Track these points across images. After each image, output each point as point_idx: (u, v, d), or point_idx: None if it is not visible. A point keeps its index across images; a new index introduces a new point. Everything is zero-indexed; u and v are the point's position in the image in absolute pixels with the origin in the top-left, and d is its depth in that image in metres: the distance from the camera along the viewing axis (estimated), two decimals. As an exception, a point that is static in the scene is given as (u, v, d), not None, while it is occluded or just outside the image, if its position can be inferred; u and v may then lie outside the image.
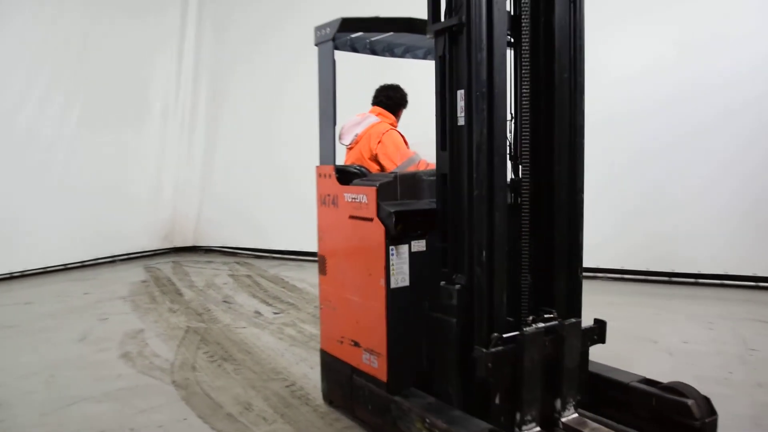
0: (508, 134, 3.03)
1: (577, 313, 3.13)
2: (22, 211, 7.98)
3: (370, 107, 4.33)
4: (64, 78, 8.53)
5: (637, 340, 4.93)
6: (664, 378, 3.02)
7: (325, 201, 3.59)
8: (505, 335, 2.87)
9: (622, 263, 7.28)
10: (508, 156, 2.95)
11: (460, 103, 2.89)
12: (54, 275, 8.38)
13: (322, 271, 3.67)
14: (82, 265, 8.96)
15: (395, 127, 4.24)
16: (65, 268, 8.71)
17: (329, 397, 3.78)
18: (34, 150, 8.21)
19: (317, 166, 3.66)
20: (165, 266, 8.87)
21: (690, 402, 2.87)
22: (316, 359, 4.10)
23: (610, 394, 3.18)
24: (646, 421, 3.04)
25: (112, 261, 9.35)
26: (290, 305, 6.33)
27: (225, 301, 6.53)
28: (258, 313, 6.06)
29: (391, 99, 4.28)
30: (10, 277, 8.01)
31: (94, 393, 4.05)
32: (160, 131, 10.02)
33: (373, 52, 4.04)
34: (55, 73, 8.41)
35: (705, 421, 2.83)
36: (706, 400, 2.92)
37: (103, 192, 9.07)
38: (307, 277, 7.85)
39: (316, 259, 3.82)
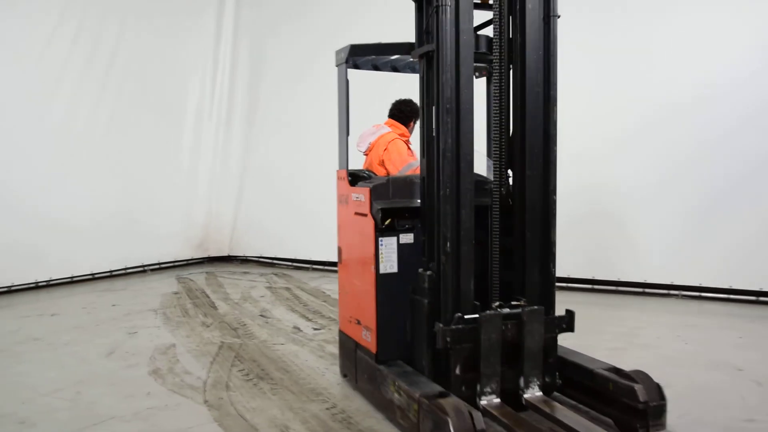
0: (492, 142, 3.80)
1: (550, 303, 3.74)
2: (48, 217, 8.00)
3: (386, 119, 5.16)
4: (94, 79, 8.56)
5: (719, 367, 4.70)
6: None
7: (341, 200, 4.46)
8: (467, 316, 3.54)
9: (701, 280, 6.96)
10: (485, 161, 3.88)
11: (433, 117, 3.64)
12: (81, 285, 8.37)
13: (340, 260, 4.51)
14: (111, 275, 8.93)
15: (406, 137, 5.07)
16: (93, 278, 8.70)
17: (343, 371, 4.58)
18: (63, 153, 8.25)
19: (337, 170, 4.49)
20: (198, 277, 8.85)
21: (637, 387, 3.40)
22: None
23: (577, 378, 3.79)
24: (604, 404, 3.63)
25: (143, 271, 9.31)
26: (332, 320, 6.23)
27: (262, 316, 6.49)
28: (297, 328, 5.99)
29: (402, 112, 5.07)
30: (36, 287, 8.04)
31: (122, 412, 4.00)
32: (194, 137, 10.03)
33: (377, 69, 4.86)
34: (85, 74, 8.44)
35: (650, 404, 3.35)
36: (657, 387, 3.44)
37: (134, 200, 9.08)
38: (349, 290, 8.04)
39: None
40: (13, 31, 7.70)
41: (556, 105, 3.71)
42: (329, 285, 8.14)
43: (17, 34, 7.74)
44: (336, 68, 4.41)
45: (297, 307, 6.95)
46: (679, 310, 6.63)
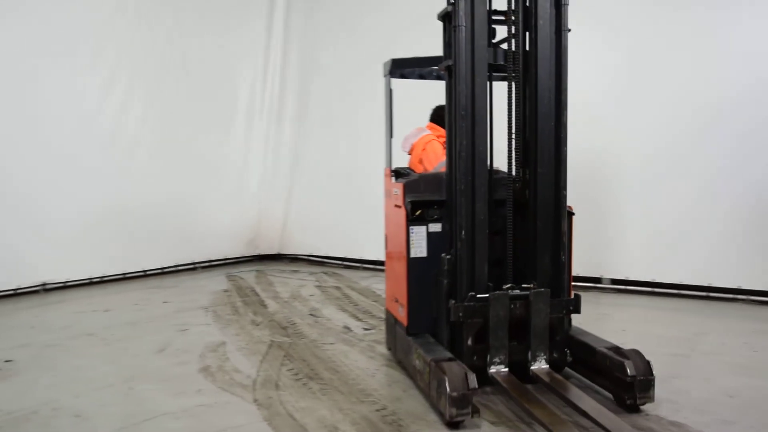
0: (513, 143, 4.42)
1: (560, 287, 4.37)
2: (102, 216, 8.18)
3: (428, 123, 5.89)
4: (145, 79, 8.71)
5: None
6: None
7: (387, 194, 5.23)
8: (479, 295, 4.23)
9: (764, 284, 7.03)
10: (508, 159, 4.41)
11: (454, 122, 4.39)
12: (133, 282, 8.56)
13: (386, 246, 5.23)
14: (162, 272, 9.13)
15: (443, 137, 5.42)
16: (144, 275, 8.89)
17: (388, 345, 5.24)
18: (115, 150, 8.42)
19: (385, 168, 5.32)
20: (248, 275, 8.98)
21: (626, 362, 3.96)
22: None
23: (582, 356, 4.41)
24: (603, 378, 4.21)
25: (193, 268, 9.51)
26: (382, 321, 6.13)
27: (311, 315, 6.54)
28: (347, 328, 6.02)
29: (440, 116, 5.62)
30: (90, 283, 8.30)
31: (172, 408, 4.07)
32: (245, 135, 10.15)
33: (422, 77, 5.60)
34: (135, 75, 8.60)
35: (637, 378, 3.89)
36: (647, 364, 3.96)
37: (185, 197, 9.18)
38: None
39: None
40: (64, 22, 7.76)
41: (566, 109, 4.33)
42: (380, 285, 8.11)
43: (68, 26, 7.81)
44: (383, 78, 5.31)
45: (347, 306, 6.99)
46: (747, 315, 6.44)
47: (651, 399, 4.04)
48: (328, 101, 10.04)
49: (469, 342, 4.31)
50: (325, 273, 9.21)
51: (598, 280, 7.61)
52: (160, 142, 8.90)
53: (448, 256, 4.46)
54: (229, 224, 9.89)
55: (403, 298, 4.72)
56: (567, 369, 4.57)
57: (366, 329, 6.00)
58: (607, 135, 7.46)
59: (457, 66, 4.31)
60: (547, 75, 4.34)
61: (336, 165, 9.86)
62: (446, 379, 3.75)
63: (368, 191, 8.82)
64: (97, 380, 4.65)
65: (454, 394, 3.72)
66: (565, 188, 4.39)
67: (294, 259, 10.24)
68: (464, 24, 4.29)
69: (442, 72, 4.57)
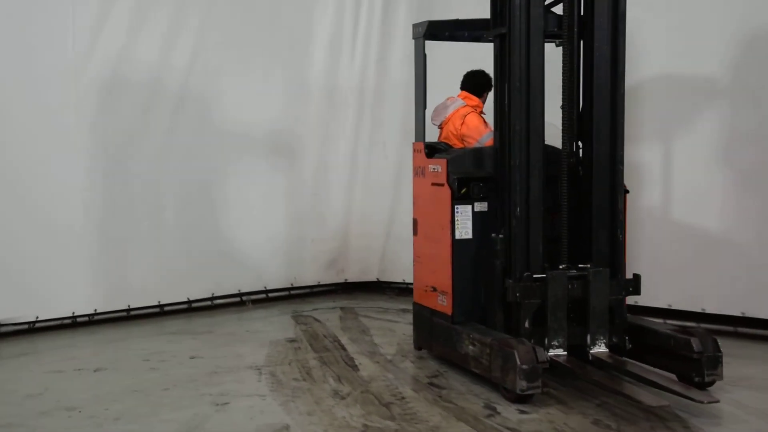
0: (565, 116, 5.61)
1: (617, 267, 5.72)
2: (92, 219, 8.12)
3: (459, 91, 6.92)
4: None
5: None
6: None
7: (417, 172, 6.28)
8: (535, 275, 5.46)
9: None
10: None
11: (506, 93, 5.62)
12: (141, 324, 8.20)
13: (415, 232, 6.28)
14: (190, 308, 8.62)
15: (480, 108, 6.88)
16: (161, 312, 8.43)
17: (418, 343, 6.48)
18: (170, 158, 8.63)
19: (413, 143, 6.33)
20: (328, 314, 8.57)
21: (692, 339, 5.25)
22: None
23: (641, 340, 5.71)
24: (666, 359, 5.50)
25: (239, 301, 8.95)
26: (549, 396, 5.54)
27: (432, 384, 6.04)
28: (491, 407, 5.47)
29: (475, 84, 6.99)
30: (72, 324, 8.01)
31: None
32: (324, 101, 9.96)
33: (458, 39, 6.94)
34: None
35: (705, 355, 5.24)
36: (713, 341, 5.32)
37: (225, 192, 8.95)
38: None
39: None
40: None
41: (623, 80, 5.49)
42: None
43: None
44: (413, 41, 6.24)
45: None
46: None
47: (720, 376, 5.24)
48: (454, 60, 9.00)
49: (526, 324, 5.47)
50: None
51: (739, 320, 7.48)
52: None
53: (500, 236, 5.60)
54: (298, 235, 9.39)
55: (446, 285, 5.86)
56: (625, 357, 5.50)
57: (522, 411, 5.33)
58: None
59: (512, 34, 5.40)
60: (604, 42, 5.51)
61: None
62: (515, 353, 4.98)
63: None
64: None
65: (525, 366, 4.98)
66: (621, 163, 5.61)
67: (403, 289, 9.60)
68: None
69: (491, 39, 5.58)
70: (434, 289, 5.83)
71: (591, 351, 5.30)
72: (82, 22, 8.17)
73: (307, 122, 9.62)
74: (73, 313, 8.03)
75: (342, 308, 8.95)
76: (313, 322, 8.31)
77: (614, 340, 5.44)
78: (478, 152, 5.84)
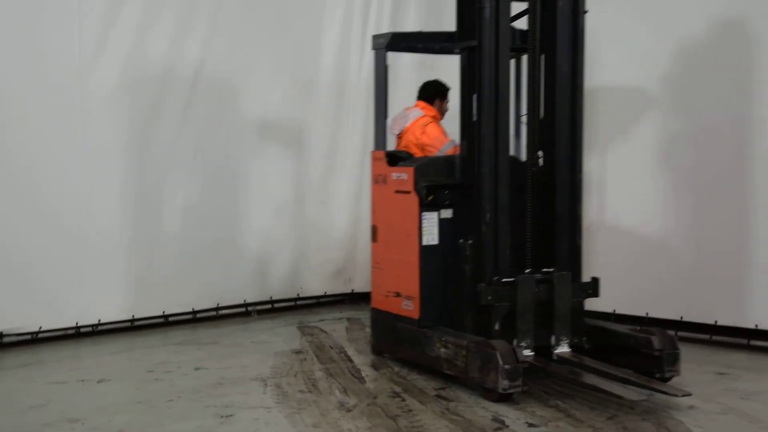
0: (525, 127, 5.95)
1: (577, 271, 6.17)
2: (95, 228, 8.02)
3: (416, 101, 7.36)
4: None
5: None
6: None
7: (377, 180, 6.64)
8: (504, 279, 5.82)
9: None
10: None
11: (474, 104, 5.93)
12: (145, 333, 8.17)
13: (374, 238, 6.63)
14: (194, 318, 8.56)
15: (439, 118, 7.32)
16: (166, 322, 8.41)
17: (378, 348, 6.81)
18: (174, 169, 8.58)
19: (372, 152, 6.70)
20: (335, 325, 8.55)
21: (653, 337, 5.75)
22: None
23: (600, 340, 6.17)
24: (626, 357, 5.95)
25: (245, 312, 8.93)
26: (560, 410, 5.56)
27: (439, 396, 6.01)
28: (499, 420, 5.43)
29: (431, 95, 7.41)
30: (77, 333, 7.89)
31: None
32: (334, 90, 9.73)
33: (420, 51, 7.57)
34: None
35: (665, 352, 5.72)
36: (671, 339, 5.85)
37: (230, 199, 8.82)
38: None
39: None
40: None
41: (582, 92, 5.97)
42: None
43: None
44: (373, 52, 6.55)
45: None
46: None
47: (678, 372, 5.74)
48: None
49: (497, 326, 5.80)
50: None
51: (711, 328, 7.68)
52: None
53: (469, 242, 5.93)
54: (305, 245, 9.39)
55: (413, 290, 6.19)
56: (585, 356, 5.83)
57: (531, 424, 5.35)
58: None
59: (482, 48, 5.76)
60: (564, 58, 5.97)
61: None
62: (497, 354, 5.31)
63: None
64: None
65: (507, 366, 5.30)
66: (581, 171, 6.10)
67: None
68: (489, 4, 5.68)
69: (459, 51, 5.98)
70: (398, 295, 6.21)
71: (555, 351, 5.80)
72: (90, 23, 8.28)
73: (314, 130, 9.61)
74: (77, 323, 7.94)
75: (349, 319, 8.95)
76: (320, 333, 8.30)
77: (575, 340, 5.94)
78: (443, 161, 6.29)
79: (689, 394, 5.38)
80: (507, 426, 5.46)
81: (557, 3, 5.79)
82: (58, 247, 7.85)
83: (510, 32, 5.78)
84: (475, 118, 5.91)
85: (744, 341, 7.61)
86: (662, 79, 8.02)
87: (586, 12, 5.73)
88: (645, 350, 5.66)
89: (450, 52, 6.68)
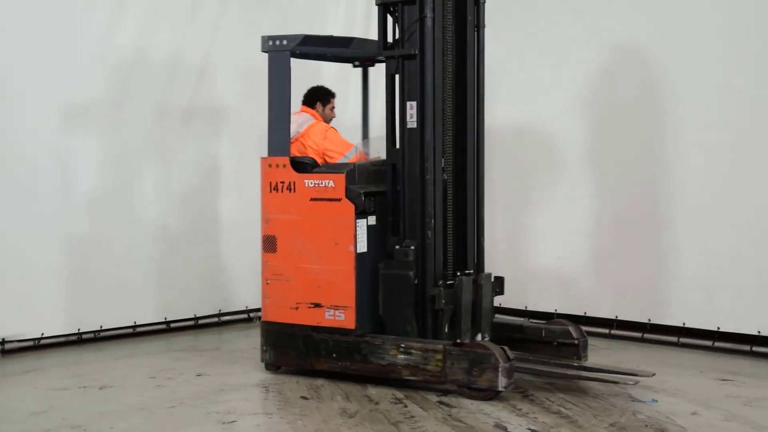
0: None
1: (482, 269, 6.64)
2: (93, 232, 8.04)
3: (300, 107, 7.34)
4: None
5: None
6: None
7: (278, 188, 6.57)
8: (449, 282, 6.18)
9: None
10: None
11: (410, 111, 6.25)
12: (147, 340, 8.28)
13: (271, 249, 6.66)
14: (196, 325, 8.67)
15: (326, 122, 7.30)
16: (168, 329, 8.49)
17: (277, 364, 6.69)
18: (175, 175, 8.67)
19: (263, 158, 6.65)
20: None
21: (570, 327, 6.55)
22: None
23: (515, 333, 6.85)
24: (547, 347, 6.66)
25: (247, 318, 9.05)
26: (563, 417, 5.60)
27: (441, 402, 6.04)
28: (501, 426, 5.49)
29: (315, 100, 7.51)
30: (78, 341, 7.98)
31: None
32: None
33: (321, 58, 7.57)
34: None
35: (581, 339, 6.50)
36: (580, 328, 6.63)
37: (233, 202, 8.82)
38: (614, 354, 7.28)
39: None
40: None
41: (483, 102, 6.57)
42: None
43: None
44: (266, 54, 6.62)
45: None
46: None
47: (587, 357, 6.47)
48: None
49: (446, 329, 6.20)
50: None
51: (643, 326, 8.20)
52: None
53: (411, 247, 6.16)
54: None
55: (347, 299, 6.22)
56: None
57: (534, 431, 5.34)
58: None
59: (424, 56, 6.03)
60: (471, 68, 6.45)
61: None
62: (494, 353, 5.63)
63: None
64: None
65: (506, 365, 5.61)
66: (482, 177, 6.63)
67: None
68: (432, 15, 6.03)
69: (382, 59, 6.44)
70: (317, 305, 6.33)
71: None
72: (93, 22, 8.33)
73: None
74: (79, 329, 7.98)
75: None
76: (321, 339, 7.91)
77: (489, 336, 6.38)
78: (370, 167, 6.52)
79: (652, 375, 6.21)
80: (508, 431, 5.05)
81: (467, 17, 6.33)
82: (59, 256, 7.96)
83: (449, 43, 6.25)
84: (414, 126, 6.19)
85: (747, 347, 7.73)
86: (559, 114, 8.72)
87: (483, 27, 6.47)
88: (563, 339, 6.38)
89: (346, 60, 7.25)
